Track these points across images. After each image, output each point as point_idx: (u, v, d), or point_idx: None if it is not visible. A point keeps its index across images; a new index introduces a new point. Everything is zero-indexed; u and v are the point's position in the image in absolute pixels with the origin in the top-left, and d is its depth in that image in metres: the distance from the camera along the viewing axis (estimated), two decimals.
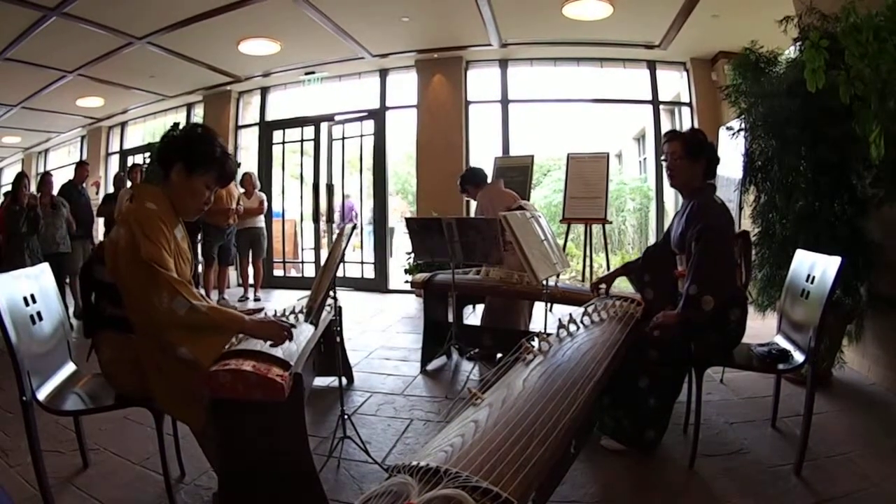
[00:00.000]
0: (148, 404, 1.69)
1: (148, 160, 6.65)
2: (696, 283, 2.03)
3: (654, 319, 2.14)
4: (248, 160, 7.28)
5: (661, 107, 6.27)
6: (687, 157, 2.20)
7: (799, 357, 2.03)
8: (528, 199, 5.35)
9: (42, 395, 1.66)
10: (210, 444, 1.75)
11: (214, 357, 1.54)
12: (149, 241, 1.52)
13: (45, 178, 4.91)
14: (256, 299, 5.99)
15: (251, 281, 6.16)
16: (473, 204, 3.99)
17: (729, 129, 3.41)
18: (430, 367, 3.39)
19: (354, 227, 2.70)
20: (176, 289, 1.50)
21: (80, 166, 5.67)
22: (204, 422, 1.61)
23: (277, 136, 7.24)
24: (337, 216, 6.99)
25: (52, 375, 1.77)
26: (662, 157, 2.30)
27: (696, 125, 5.96)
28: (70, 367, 1.88)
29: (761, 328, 2.78)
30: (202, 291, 2.02)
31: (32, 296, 1.76)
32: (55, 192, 4.97)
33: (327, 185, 6.81)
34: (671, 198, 6.54)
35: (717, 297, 2.01)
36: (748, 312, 2.19)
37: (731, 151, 3.77)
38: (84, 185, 5.64)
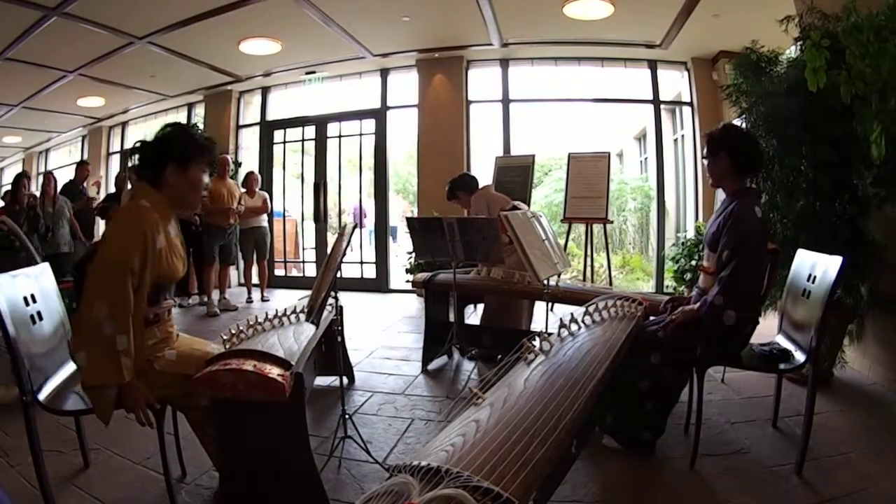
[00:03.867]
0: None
1: None
2: (723, 294, 2.01)
3: (675, 313, 2.13)
4: (249, 160, 7.27)
5: (662, 106, 6.25)
6: (708, 154, 2.19)
7: (800, 357, 2.03)
8: (529, 199, 5.36)
9: (43, 394, 1.66)
10: (211, 444, 1.76)
11: (97, 381, 1.51)
12: (117, 243, 1.55)
13: (48, 178, 4.87)
14: (266, 300, 5.91)
15: (255, 281, 6.08)
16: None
17: None
18: (431, 366, 3.39)
19: (356, 227, 2.69)
20: (114, 312, 1.49)
21: (81, 166, 5.68)
22: (203, 403, 1.63)
23: (278, 135, 7.23)
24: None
25: (52, 375, 1.77)
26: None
27: (696, 125, 5.96)
28: (70, 367, 1.88)
29: (762, 328, 2.76)
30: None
31: (32, 296, 1.76)
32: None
33: (323, 183, 6.79)
34: (672, 197, 6.55)
35: (739, 313, 2.00)
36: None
37: None
38: (85, 184, 5.64)
